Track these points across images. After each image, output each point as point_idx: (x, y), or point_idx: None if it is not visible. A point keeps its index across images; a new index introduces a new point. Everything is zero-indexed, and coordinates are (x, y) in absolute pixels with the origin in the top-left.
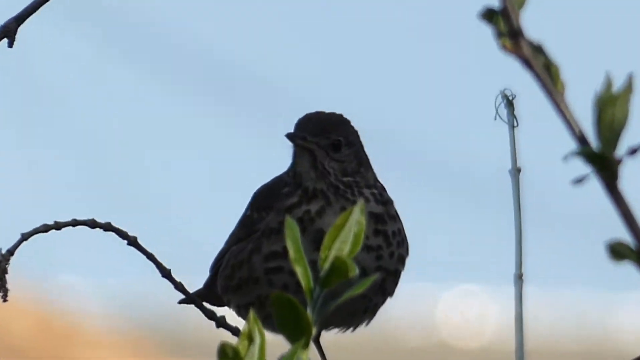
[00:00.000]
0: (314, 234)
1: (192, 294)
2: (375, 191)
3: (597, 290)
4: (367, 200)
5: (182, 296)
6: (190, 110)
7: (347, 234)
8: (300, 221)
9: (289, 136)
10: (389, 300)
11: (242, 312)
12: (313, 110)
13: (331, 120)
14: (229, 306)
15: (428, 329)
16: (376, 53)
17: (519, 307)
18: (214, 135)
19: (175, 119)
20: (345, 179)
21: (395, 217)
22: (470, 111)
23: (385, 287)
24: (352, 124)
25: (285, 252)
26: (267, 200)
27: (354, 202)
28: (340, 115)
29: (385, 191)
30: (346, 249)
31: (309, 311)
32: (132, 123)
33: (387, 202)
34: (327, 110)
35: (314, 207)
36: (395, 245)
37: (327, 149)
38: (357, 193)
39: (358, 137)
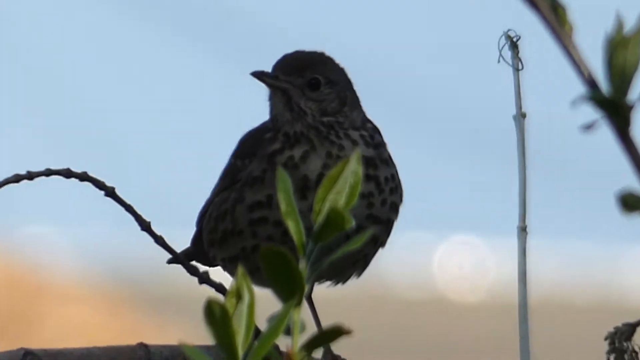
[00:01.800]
0: (297, 181)
1: (179, 253)
2: (364, 133)
3: (604, 243)
4: (354, 142)
5: (163, 250)
6: (168, 54)
7: (343, 185)
8: (284, 167)
9: (256, 74)
10: (381, 251)
11: (227, 267)
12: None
13: (308, 59)
14: (215, 261)
15: (424, 281)
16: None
17: (523, 261)
18: (199, 81)
19: (154, 63)
20: (324, 119)
21: (388, 162)
22: (473, 53)
23: (377, 237)
24: (336, 62)
25: (269, 201)
26: (250, 147)
27: (339, 146)
28: (321, 54)
29: (379, 133)
30: (341, 200)
31: (301, 266)
32: (108, 68)
33: (378, 145)
34: (310, 49)
35: (297, 152)
36: (387, 192)
37: (303, 88)
38: (343, 135)
39: (343, 75)
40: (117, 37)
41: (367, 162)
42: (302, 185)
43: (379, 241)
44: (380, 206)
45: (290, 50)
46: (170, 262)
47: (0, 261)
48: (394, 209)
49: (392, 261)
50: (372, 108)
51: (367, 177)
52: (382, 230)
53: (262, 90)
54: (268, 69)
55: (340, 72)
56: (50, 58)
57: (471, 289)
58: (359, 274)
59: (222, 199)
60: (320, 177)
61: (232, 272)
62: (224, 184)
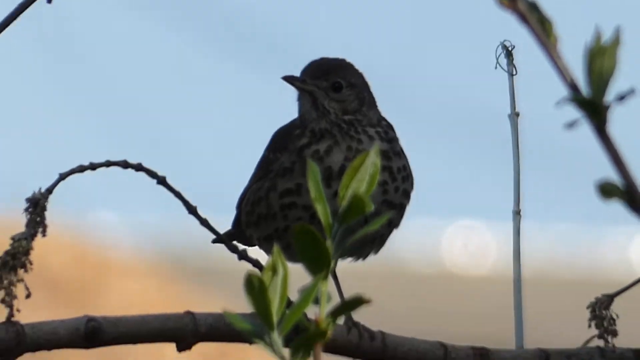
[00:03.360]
0: (322, 171)
1: (223, 234)
2: (379, 129)
3: (588, 224)
4: (371, 138)
5: (208, 231)
6: (215, 61)
7: (364, 174)
8: (311, 160)
9: (287, 79)
10: (397, 233)
11: (262, 245)
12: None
13: (332, 65)
14: (252, 240)
15: (433, 258)
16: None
17: (517, 240)
18: (239, 85)
19: (201, 70)
20: (346, 117)
21: (400, 154)
22: (473, 61)
23: (392, 219)
24: (355, 67)
25: (298, 189)
26: (281, 142)
27: (359, 141)
28: (343, 60)
29: (392, 129)
30: (362, 187)
31: (328, 245)
32: (159, 73)
33: (392, 140)
34: (334, 56)
35: (322, 146)
36: (400, 180)
37: (327, 90)
38: (362, 131)
39: (362, 78)
40: (168, 46)
41: (382, 154)
42: (326, 175)
43: (393, 223)
44: (394, 193)
45: (315, 57)
46: (214, 241)
47: (69, 241)
48: (406, 195)
49: (406, 242)
50: (386, 108)
51: (382, 168)
52: (396, 214)
53: (291, 92)
54: (297, 73)
55: (359, 76)
56: (112, 65)
57: (473, 265)
58: (377, 252)
59: (257, 187)
60: (342, 167)
61: (266, 250)
62: (259, 174)
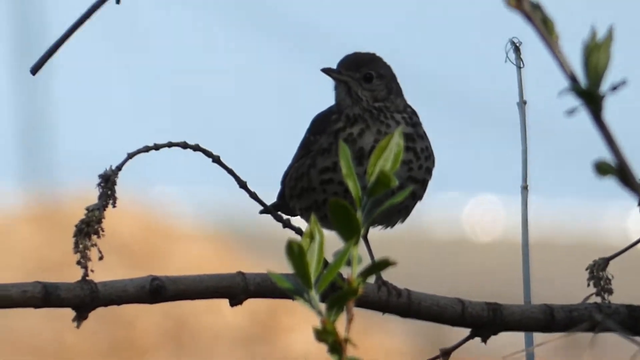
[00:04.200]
0: (356, 152)
1: (269, 205)
2: (405, 115)
3: (588, 198)
4: (398, 122)
5: (256, 203)
6: (264, 54)
7: (389, 154)
8: (345, 142)
9: (325, 70)
10: (422, 205)
11: (303, 214)
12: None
13: (364, 58)
14: (295, 211)
15: (453, 227)
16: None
17: (525, 211)
18: (286, 75)
19: (253, 61)
20: (376, 104)
21: (423, 137)
22: (485, 55)
23: (415, 192)
24: (384, 60)
25: (334, 166)
26: (320, 126)
27: (387, 125)
28: (373, 54)
29: (416, 115)
30: (388, 165)
31: (358, 215)
32: (210, 62)
33: (416, 124)
34: (366, 51)
35: (355, 129)
36: (423, 159)
37: (360, 81)
38: (390, 117)
39: (390, 70)
40: (221, 38)
41: (407, 137)
42: (359, 154)
43: (416, 196)
44: (417, 170)
45: (349, 51)
46: (262, 212)
47: (138, 212)
48: (428, 171)
49: (430, 213)
50: (411, 97)
51: (407, 149)
52: (419, 188)
53: (329, 82)
54: (334, 66)
55: (388, 68)
56: (170, 56)
57: (487, 232)
58: (403, 220)
59: (300, 164)
60: (372, 148)
61: (307, 219)
62: (301, 153)
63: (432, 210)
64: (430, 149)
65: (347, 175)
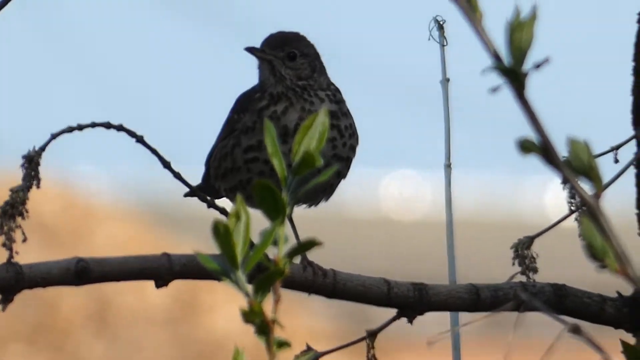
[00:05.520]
0: (280, 129)
1: (194, 187)
2: (329, 93)
3: (510, 176)
4: (321, 100)
5: (180, 183)
6: (186, 32)
7: (314, 132)
8: (269, 120)
9: (249, 49)
10: (342, 182)
11: (228, 195)
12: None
13: (287, 37)
14: (220, 192)
15: (373, 205)
16: None
17: (448, 190)
18: (207, 55)
19: (175, 41)
20: (300, 82)
21: (347, 114)
22: (409, 33)
23: (340, 171)
24: (308, 39)
25: (259, 145)
26: (244, 104)
27: (311, 102)
28: (297, 33)
29: (340, 93)
30: (313, 144)
31: (284, 195)
32: (133, 43)
33: (339, 102)
34: (290, 30)
35: (279, 107)
36: (347, 137)
37: (283, 59)
38: (313, 94)
39: (314, 49)
40: (142, 20)
41: (332, 115)
42: (283, 132)
43: (341, 174)
44: (342, 147)
45: (274, 30)
46: (186, 195)
47: (59, 191)
48: (352, 149)
49: (348, 190)
50: (336, 75)
51: (332, 126)
52: (343, 166)
53: (252, 61)
54: (257, 45)
55: (311, 47)
56: (95, 38)
57: (409, 210)
58: (327, 199)
59: (223, 144)
60: (297, 126)
61: (232, 200)
62: (225, 133)
63: (350, 186)
64: (354, 126)
65: (273, 154)
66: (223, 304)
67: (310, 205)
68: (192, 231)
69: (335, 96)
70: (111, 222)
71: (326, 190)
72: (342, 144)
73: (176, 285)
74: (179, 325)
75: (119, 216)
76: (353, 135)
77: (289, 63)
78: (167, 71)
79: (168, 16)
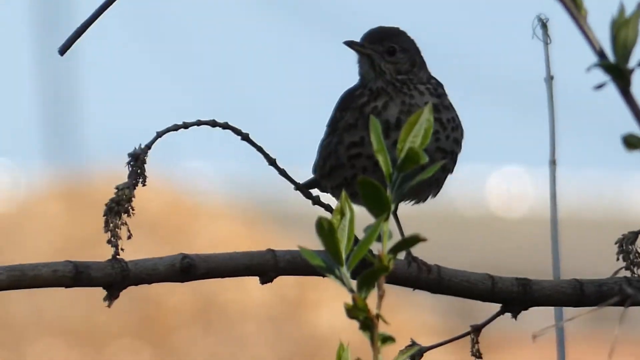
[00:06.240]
0: (381, 124)
1: (304, 182)
2: (429, 86)
3: (614, 173)
4: (421, 93)
5: (285, 180)
6: (290, 33)
7: (419, 129)
8: (370, 115)
9: (347, 43)
10: (449, 177)
11: (334, 193)
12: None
13: (387, 32)
14: (326, 189)
15: (479, 201)
16: None
17: (553, 186)
18: (315, 53)
19: (278, 38)
20: (399, 77)
21: (448, 107)
22: (513, 32)
23: (446, 165)
24: (408, 35)
25: (362, 141)
26: (346, 103)
27: (411, 96)
28: (397, 28)
29: (441, 87)
30: (418, 141)
31: (388, 191)
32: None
33: (440, 95)
34: (392, 26)
35: (379, 102)
36: (449, 129)
37: (383, 54)
38: (413, 88)
39: (413, 44)
40: (243, 19)
41: (433, 108)
42: (385, 127)
43: (447, 169)
44: (445, 140)
45: (373, 25)
46: (296, 189)
47: (167, 188)
48: (456, 143)
49: (455, 187)
50: (442, 73)
51: (434, 120)
52: (449, 160)
53: (352, 56)
54: (357, 39)
55: (411, 42)
56: (202, 40)
57: (515, 207)
58: (435, 195)
59: (327, 142)
60: (398, 120)
61: (338, 198)
62: (329, 131)
63: (457, 184)
64: (457, 120)
65: (378, 150)
66: (328, 301)
67: (417, 202)
68: (297, 228)
69: (436, 90)
70: (216, 220)
71: (432, 186)
72: (445, 137)
73: (281, 282)
74: (284, 322)
75: (225, 214)
76: (457, 128)
77: (388, 58)
78: (273, 69)
79: (269, 14)
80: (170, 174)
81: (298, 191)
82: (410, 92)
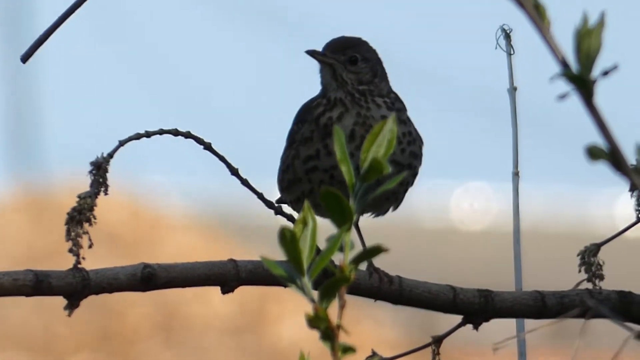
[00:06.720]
0: None
1: (261, 193)
2: (387, 100)
3: (578, 184)
4: (378, 106)
5: (248, 190)
6: (251, 42)
7: (382, 140)
8: (325, 126)
9: (309, 52)
10: (412, 192)
11: (294, 206)
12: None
13: (349, 41)
14: (288, 203)
15: (441, 215)
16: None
17: (516, 198)
18: (276, 63)
19: (240, 47)
20: (360, 87)
21: (405, 122)
22: (476, 42)
23: (404, 179)
24: (370, 45)
25: (317, 154)
26: (303, 115)
27: (367, 108)
28: (359, 38)
29: (400, 101)
30: (381, 152)
31: (351, 202)
32: (201, 54)
33: (399, 110)
34: (354, 35)
35: (335, 113)
36: (405, 143)
37: (345, 63)
38: (370, 101)
39: (375, 54)
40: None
41: None
42: None
43: (405, 182)
44: (400, 154)
45: (335, 35)
46: (259, 197)
47: (127, 200)
48: (414, 156)
49: (418, 200)
50: (401, 84)
51: None
52: (409, 174)
53: (314, 65)
54: (319, 49)
55: (373, 52)
56: (162, 46)
57: (477, 220)
58: (395, 208)
59: (285, 156)
60: (352, 131)
61: (297, 211)
62: (287, 144)
63: (419, 197)
64: (414, 134)
65: (342, 160)
66: (290, 313)
67: (377, 215)
68: (259, 241)
69: (394, 104)
70: (178, 231)
71: (390, 199)
72: (401, 150)
73: (243, 294)
74: (246, 334)
75: (186, 225)
76: (413, 142)
77: (350, 67)
78: (235, 80)
79: (231, 23)
80: (132, 187)
81: (260, 202)
82: (367, 105)
